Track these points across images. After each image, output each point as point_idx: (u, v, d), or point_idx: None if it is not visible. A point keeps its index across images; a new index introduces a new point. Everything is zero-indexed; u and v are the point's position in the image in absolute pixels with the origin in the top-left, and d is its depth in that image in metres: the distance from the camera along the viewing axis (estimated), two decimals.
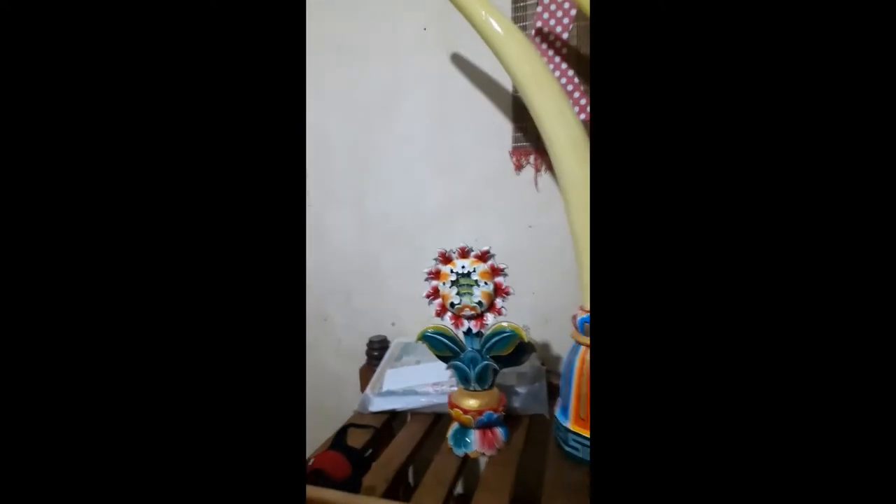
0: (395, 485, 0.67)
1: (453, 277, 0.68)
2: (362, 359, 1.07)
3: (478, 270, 0.67)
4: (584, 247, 0.66)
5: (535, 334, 1.00)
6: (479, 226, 1.02)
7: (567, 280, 0.88)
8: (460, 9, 0.69)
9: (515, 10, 0.92)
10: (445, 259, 0.70)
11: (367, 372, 0.98)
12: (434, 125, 1.03)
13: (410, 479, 1.06)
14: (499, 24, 0.66)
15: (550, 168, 0.96)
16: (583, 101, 0.90)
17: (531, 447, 0.77)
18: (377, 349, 1.01)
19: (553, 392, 0.86)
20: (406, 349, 0.98)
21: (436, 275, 0.71)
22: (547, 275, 0.99)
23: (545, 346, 1.00)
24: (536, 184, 0.98)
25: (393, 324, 1.13)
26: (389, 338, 1.07)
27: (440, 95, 1.01)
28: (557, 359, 1.00)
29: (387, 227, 1.11)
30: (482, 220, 1.02)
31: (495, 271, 0.69)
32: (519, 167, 0.99)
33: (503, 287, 0.68)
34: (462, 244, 0.69)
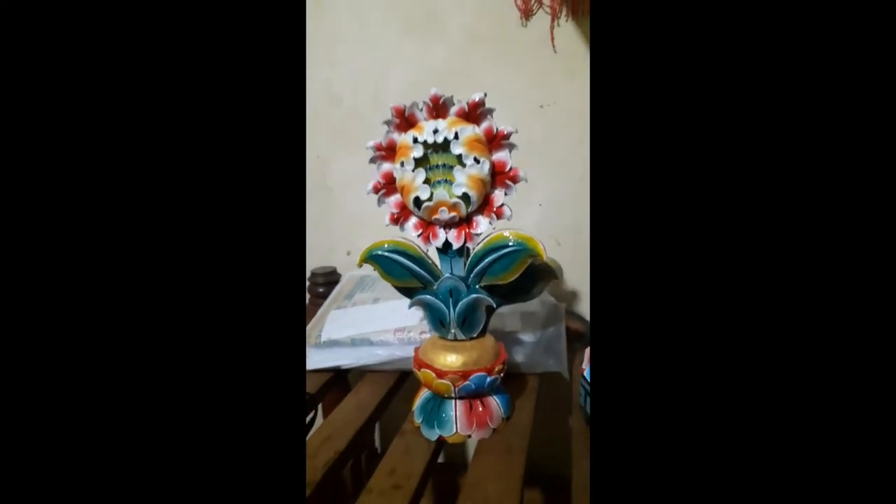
0: (329, 485, 0.42)
1: (418, 152, 0.39)
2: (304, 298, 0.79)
3: (462, 137, 0.38)
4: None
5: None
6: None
7: (587, 186, 0.60)
8: None
9: None
10: (405, 121, 0.40)
11: (310, 314, 0.71)
12: None
13: (354, 480, 0.83)
14: None
15: (575, 11, 0.64)
16: None
17: (546, 422, 0.52)
18: (322, 285, 0.73)
19: (574, 340, 0.61)
20: (362, 284, 0.70)
21: (387, 151, 0.41)
22: (561, 178, 0.70)
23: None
24: (553, 40, 0.66)
25: (348, 252, 0.84)
26: (341, 270, 0.80)
27: None
28: (573, 295, 0.74)
29: (335, 117, 0.79)
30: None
31: (494, 139, 0.39)
32: (527, 13, 0.66)
33: (507, 169, 0.39)
34: (434, 90, 0.39)
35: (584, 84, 0.66)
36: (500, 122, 0.39)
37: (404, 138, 0.40)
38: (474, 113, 0.39)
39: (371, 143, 0.41)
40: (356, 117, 0.78)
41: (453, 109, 0.39)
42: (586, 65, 0.65)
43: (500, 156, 0.40)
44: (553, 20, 0.65)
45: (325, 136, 0.80)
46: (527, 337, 0.58)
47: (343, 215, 0.83)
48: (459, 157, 0.38)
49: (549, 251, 0.75)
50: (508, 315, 0.60)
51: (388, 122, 0.41)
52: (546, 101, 0.68)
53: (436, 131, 0.38)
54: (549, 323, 0.58)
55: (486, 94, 0.38)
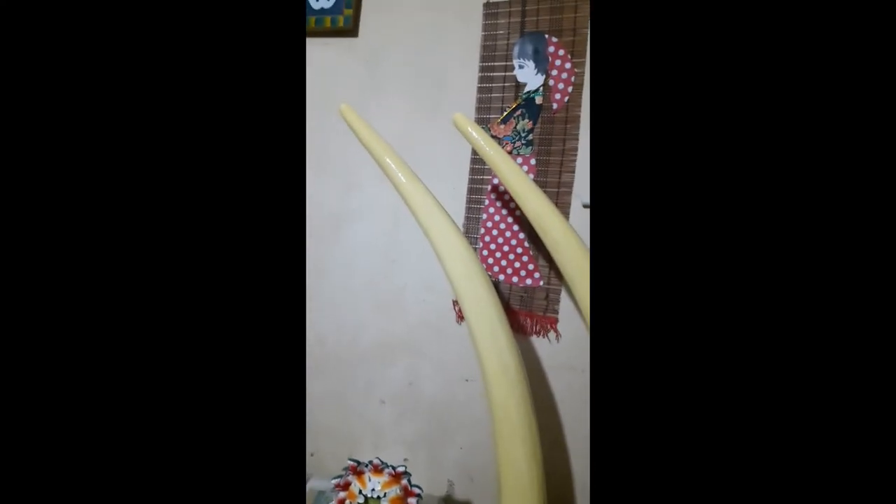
0: None
1: (361, 500, 0.63)
2: None
3: (389, 496, 0.63)
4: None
5: (458, 492, 0.96)
6: (414, 371, 0.98)
7: None
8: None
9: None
10: (356, 472, 0.65)
11: None
12: (380, 260, 0.98)
13: None
14: None
15: None
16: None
17: None
18: None
19: None
20: (319, 501, 0.91)
21: (344, 487, 0.66)
22: (478, 431, 0.95)
23: None
24: None
25: (312, 454, 1.06)
26: (308, 469, 1.01)
27: (394, 225, 0.96)
28: None
29: (319, 353, 1.04)
30: (419, 367, 0.98)
31: (408, 494, 0.64)
32: (461, 317, 0.95)
33: None
34: (376, 459, 0.64)
35: None
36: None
37: (353, 487, 0.64)
38: (399, 477, 0.64)
39: (333, 481, 0.66)
40: (335, 356, 1.03)
41: (387, 471, 0.64)
42: None
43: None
44: None
45: (309, 365, 1.04)
46: None
47: (314, 424, 1.05)
48: None
49: (464, 485, 0.97)
50: None
51: (345, 469, 0.65)
52: (470, 377, 0.95)
53: (373, 490, 0.63)
54: None
55: (406, 467, 0.64)
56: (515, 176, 0.67)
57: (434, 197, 0.69)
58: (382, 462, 0.64)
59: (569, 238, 0.65)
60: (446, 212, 0.69)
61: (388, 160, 0.68)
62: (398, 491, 0.63)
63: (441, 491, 0.95)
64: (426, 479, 0.94)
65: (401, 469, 0.64)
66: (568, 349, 0.86)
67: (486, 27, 0.86)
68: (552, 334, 0.86)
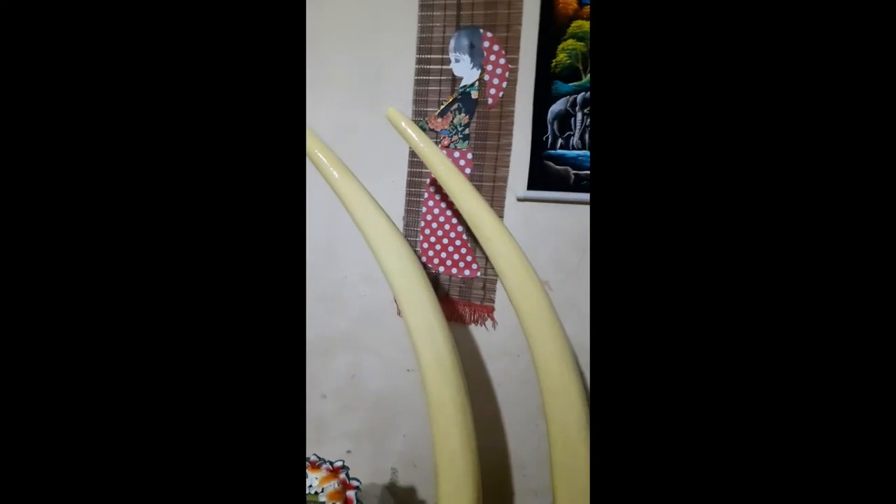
0: None
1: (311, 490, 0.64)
2: None
3: (326, 491, 0.63)
4: None
5: (402, 478, 0.98)
6: (356, 364, 0.98)
7: None
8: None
9: None
10: (312, 464, 0.65)
11: None
12: (318, 254, 0.96)
13: None
14: None
15: None
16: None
17: None
18: None
19: None
20: None
21: None
22: (421, 419, 0.98)
23: (411, 491, 0.99)
24: None
25: None
26: None
27: (331, 217, 0.95)
28: None
29: None
30: (361, 359, 0.98)
31: (347, 487, 0.65)
32: None
33: None
34: (313, 456, 0.65)
35: None
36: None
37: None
38: (337, 472, 0.65)
39: None
40: None
41: (324, 466, 0.65)
42: None
43: (350, 495, 0.65)
44: None
45: None
46: None
47: None
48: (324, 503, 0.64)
49: (408, 471, 0.99)
50: None
51: None
52: (412, 367, 0.97)
53: (310, 486, 0.63)
54: None
55: (345, 461, 0.65)
56: (448, 172, 0.68)
57: (368, 193, 0.69)
58: (319, 458, 0.64)
59: (499, 233, 0.67)
60: (381, 208, 0.69)
61: (319, 155, 0.66)
62: (336, 485, 0.64)
63: (385, 479, 0.97)
64: (371, 470, 0.95)
65: (338, 464, 0.65)
66: (504, 336, 0.90)
67: (422, 19, 0.85)
68: (489, 322, 0.90)
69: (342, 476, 0.65)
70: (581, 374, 0.71)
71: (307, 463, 0.64)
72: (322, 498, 0.63)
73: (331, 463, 0.64)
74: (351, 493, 0.65)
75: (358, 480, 0.66)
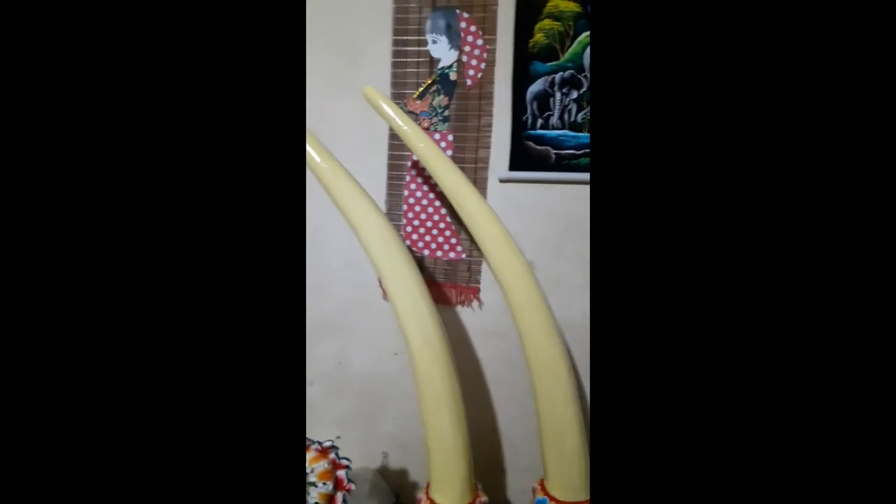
0: None
1: None
2: None
3: (316, 471, 0.64)
4: None
5: (393, 462, 0.99)
6: (343, 349, 0.98)
7: None
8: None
9: None
10: None
11: None
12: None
13: None
14: None
15: None
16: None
17: None
18: None
19: None
20: None
21: None
22: (410, 402, 0.98)
23: (402, 474, 1.00)
24: None
25: None
26: None
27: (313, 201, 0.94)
28: (414, 486, 1.01)
29: None
30: (347, 344, 0.98)
31: (337, 467, 0.66)
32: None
33: (345, 483, 0.66)
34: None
35: None
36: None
37: None
38: (326, 452, 0.65)
39: None
40: None
41: (313, 447, 0.65)
42: None
43: (340, 475, 0.66)
44: None
45: None
46: None
47: None
48: (314, 483, 0.64)
49: (398, 454, 1.01)
50: None
51: None
52: (399, 350, 0.98)
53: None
54: None
55: (334, 442, 0.65)
56: (429, 150, 0.68)
57: (351, 176, 0.69)
58: (309, 439, 0.65)
59: (483, 211, 0.68)
60: (364, 190, 0.69)
61: None
62: (326, 465, 0.65)
63: (376, 463, 0.98)
64: (361, 454, 0.96)
65: (327, 444, 0.65)
66: (491, 316, 0.91)
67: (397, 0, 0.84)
68: (475, 303, 0.91)
69: (331, 456, 0.65)
70: (568, 350, 0.72)
71: None
72: (312, 478, 0.63)
73: (320, 443, 0.65)
74: (341, 473, 0.66)
75: (348, 460, 0.66)
